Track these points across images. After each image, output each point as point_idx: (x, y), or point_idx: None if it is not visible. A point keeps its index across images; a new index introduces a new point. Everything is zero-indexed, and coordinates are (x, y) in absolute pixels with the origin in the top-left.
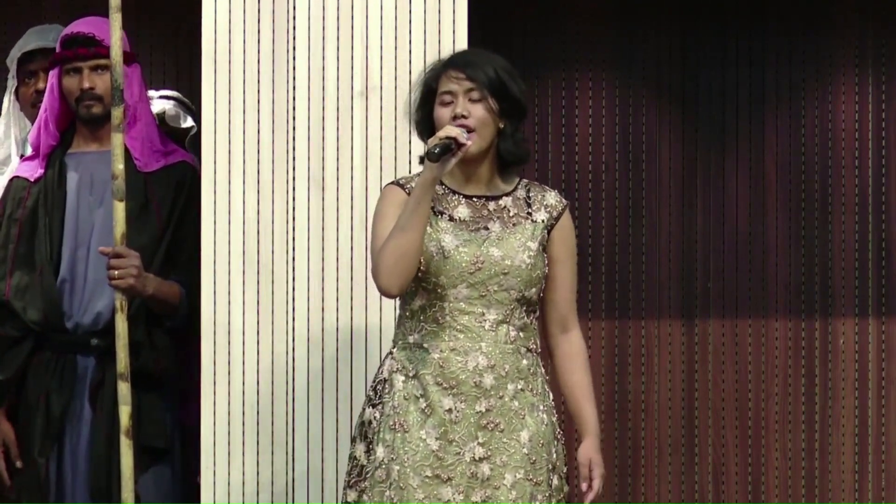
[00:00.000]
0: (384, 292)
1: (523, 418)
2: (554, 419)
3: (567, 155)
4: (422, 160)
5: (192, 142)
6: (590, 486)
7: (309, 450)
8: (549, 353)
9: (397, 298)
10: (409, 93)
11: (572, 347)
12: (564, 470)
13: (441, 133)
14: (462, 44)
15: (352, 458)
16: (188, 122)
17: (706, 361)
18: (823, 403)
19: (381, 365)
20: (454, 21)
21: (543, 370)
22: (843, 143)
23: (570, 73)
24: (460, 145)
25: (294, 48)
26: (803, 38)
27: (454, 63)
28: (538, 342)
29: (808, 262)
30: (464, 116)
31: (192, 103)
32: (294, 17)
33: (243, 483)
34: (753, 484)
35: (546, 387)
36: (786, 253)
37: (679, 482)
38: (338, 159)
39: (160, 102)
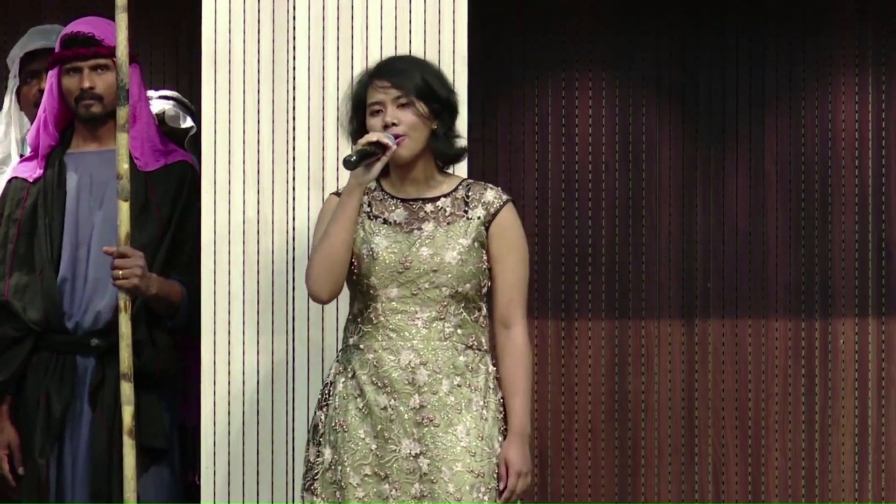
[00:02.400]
0: (315, 298)
1: (460, 413)
2: (499, 414)
3: (567, 155)
4: (346, 165)
5: (191, 142)
6: (505, 485)
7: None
8: (496, 350)
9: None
10: (342, 104)
11: (510, 346)
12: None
13: (362, 140)
14: (462, 43)
15: (306, 461)
16: (187, 123)
17: (706, 361)
18: (823, 403)
19: (329, 368)
20: (454, 21)
21: (491, 367)
22: (843, 143)
23: (570, 73)
24: (384, 148)
25: (294, 48)
26: (803, 38)
27: (379, 73)
28: (483, 339)
29: (808, 262)
30: (394, 124)
31: (191, 103)
32: (294, 17)
33: (243, 483)
34: (753, 484)
35: (491, 383)
36: (786, 253)
37: (679, 482)
38: (338, 159)
39: (159, 102)
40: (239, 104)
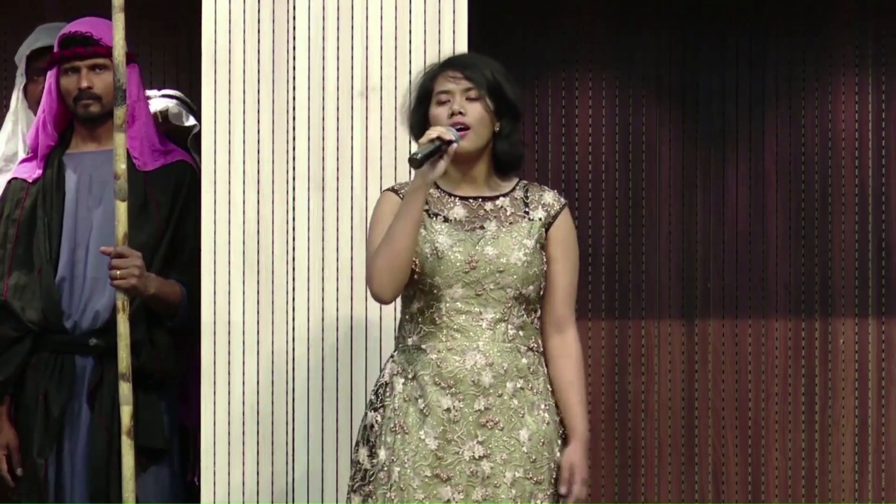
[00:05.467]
0: (377, 298)
1: (523, 417)
2: (557, 418)
3: (567, 155)
4: (411, 163)
5: (194, 141)
6: (569, 491)
7: (309, 450)
8: (545, 353)
9: (396, 301)
10: (407, 94)
11: (566, 348)
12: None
13: (423, 138)
14: (462, 44)
15: (354, 462)
16: (190, 121)
17: (706, 361)
18: (823, 403)
19: (383, 368)
20: (454, 21)
21: (546, 369)
22: (843, 143)
23: (570, 73)
24: (448, 143)
25: (294, 48)
26: (803, 38)
27: (452, 64)
28: (539, 341)
29: (808, 262)
30: (461, 114)
31: (192, 103)
32: (294, 17)
33: (243, 483)
34: (753, 484)
35: (548, 385)
36: (786, 253)
37: (679, 482)
38: (338, 159)
39: (162, 101)
40: (239, 104)
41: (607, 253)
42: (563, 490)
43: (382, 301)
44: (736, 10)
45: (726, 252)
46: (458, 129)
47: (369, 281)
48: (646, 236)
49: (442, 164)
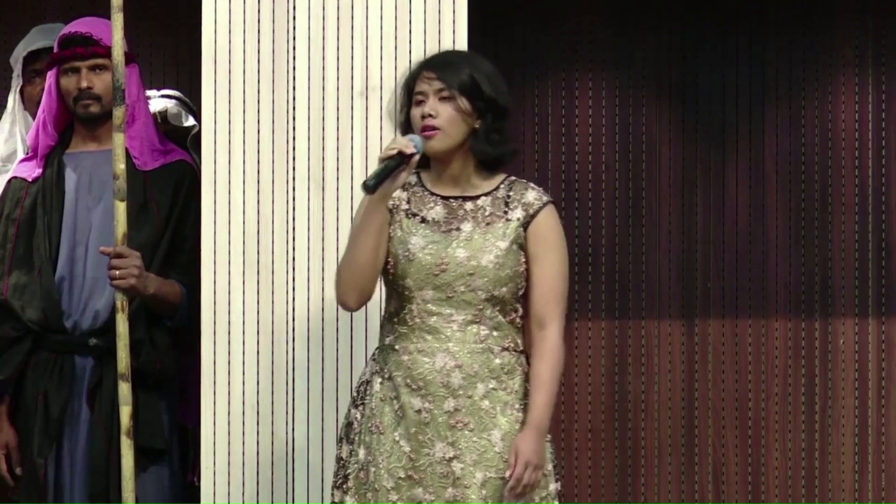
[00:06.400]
0: (342, 305)
1: (494, 417)
2: None
3: (567, 155)
4: (364, 189)
5: (193, 141)
6: (511, 474)
7: (309, 449)
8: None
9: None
10: (393, 95)
11: (542, 346)
12: (550, 468)
13: (383, 154)
14: (462, 43)
15: (338, 459)
16: (189, 121)
17: (706, 361)
18: (823, 403)
19: (365, 367)
20: (454, 21)
21: (528, 367)
22: (843, 143)
23: (570, 73)
24: (410, 156)
25: (294, 48)
26: (803, 38)
27: (428, 64)
28: (519, 340)
29: (808, 262)
30: (431, 116)
31: (192, 103)
32: (294, 17)
33: (243, 483)
34: (753, 484)
35: (525, 384)
36: (786, 253)
37: (679, 482)
38: (338, 159)
39: (161, 101)
40: (239, 104)
41: (607, 253)
42: (507, 474)
43: (347, 308)
44: (736, 10)
45: (726, 252)
46: (428, 131)
47: (335, 288)
48: (646, 236)
49: (403, 176)
